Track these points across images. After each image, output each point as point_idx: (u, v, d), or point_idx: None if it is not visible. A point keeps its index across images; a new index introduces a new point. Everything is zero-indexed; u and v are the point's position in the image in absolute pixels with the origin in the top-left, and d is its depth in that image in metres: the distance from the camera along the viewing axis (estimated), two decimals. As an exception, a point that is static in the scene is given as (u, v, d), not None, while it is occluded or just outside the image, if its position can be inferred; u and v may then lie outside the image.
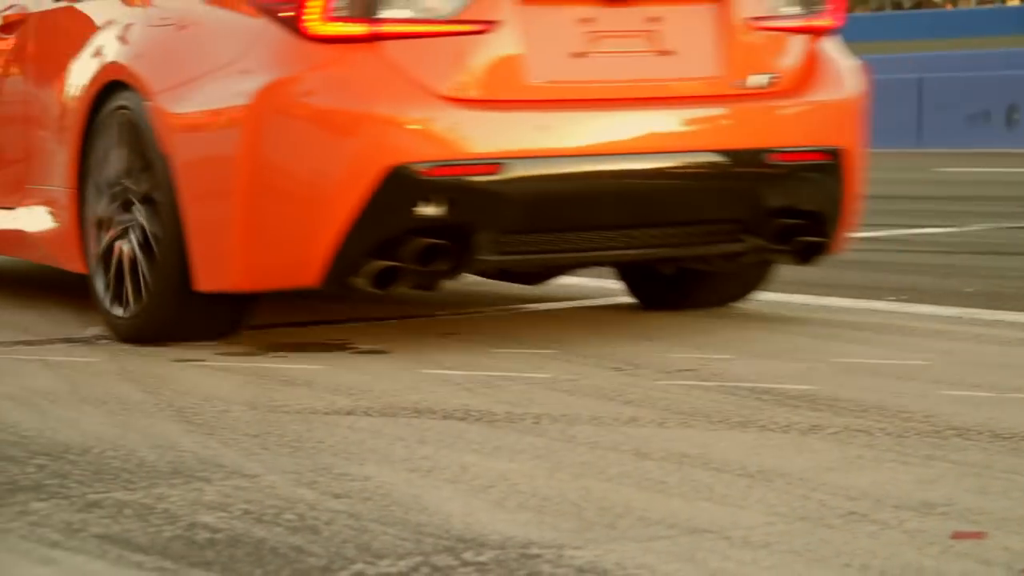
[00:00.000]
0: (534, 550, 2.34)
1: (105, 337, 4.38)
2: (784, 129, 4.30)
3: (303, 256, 3.98)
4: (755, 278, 4.78)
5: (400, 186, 3.91)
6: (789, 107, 4.33)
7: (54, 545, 2.39)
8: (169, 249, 4.11)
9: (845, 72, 4.47)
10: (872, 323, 4.67)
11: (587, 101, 4.14)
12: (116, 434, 3.15)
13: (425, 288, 4.31)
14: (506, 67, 4.04)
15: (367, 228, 3.92)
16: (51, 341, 4.34)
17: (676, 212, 4.24)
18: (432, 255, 3.98)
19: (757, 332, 4.49)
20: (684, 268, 4.66)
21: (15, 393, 3.57)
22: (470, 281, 5.39)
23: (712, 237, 4.29)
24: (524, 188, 4.02)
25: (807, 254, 4.38)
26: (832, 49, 4.50)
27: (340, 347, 4.23)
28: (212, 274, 4.07)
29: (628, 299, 5.14)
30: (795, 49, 4.37)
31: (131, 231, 4.24)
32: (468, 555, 2.31)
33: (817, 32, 4.45)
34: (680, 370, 3.85)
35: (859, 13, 27.67)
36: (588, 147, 4.08)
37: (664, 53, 4.21)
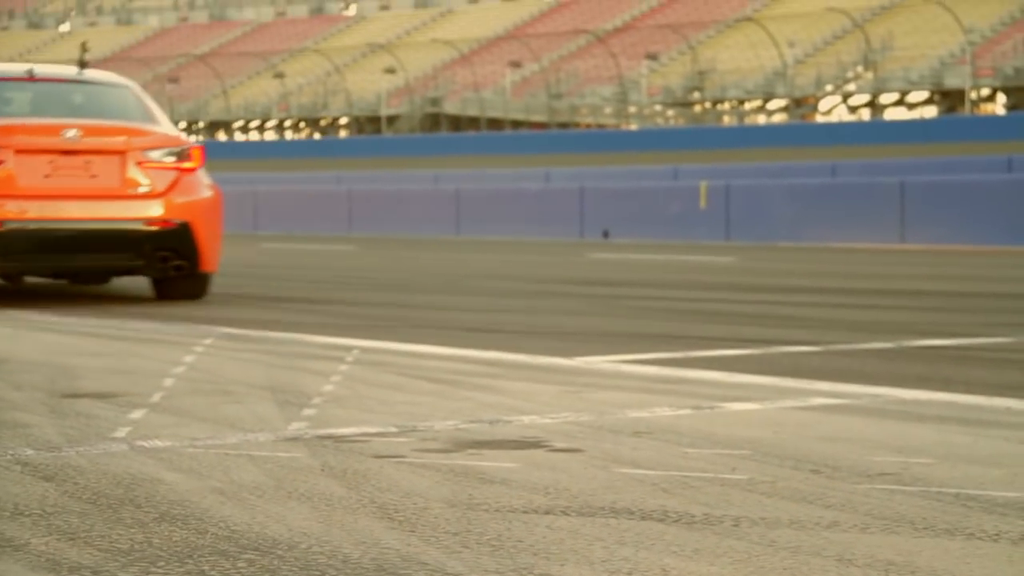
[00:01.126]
0: (741, 657, 2.32)
1: (307, 433, 4.48)
2: (155, 211, 10.21)
3: None
4: (200, 286, 10.60)
5: None
6: (159, 202, 10.23)
7: (267, 640, 2.44)
8: None
9: (197, 187, 10.38)
10: (1078, 427, 4.53)
11: (49, 196, 10.04)
12: (321, 530, 3.22)
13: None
14: (7, 181, 10.00)
15: None
16: (255, 436, 4.45)
17: (99, 248, 10.19)
18: None
19: (958, 436, 4.40)
20: (166, 277, 10.50)
21: (224, 488, 3.67)
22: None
23: (122, 260, 10.27)
24: (13, 235, 9.96)
25: (178, 270, 10.31)
26: (197, 176, 10.42)
27: (534, 444, 4.26)
28: None
29: (825, 400, 5.09)
30: (168, 176, 10.27)
31: None
32: (674, 661, 2.30)
33: (184, 169, 10.33)
34: (880, 474, 3.78)
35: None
36: (43, 217, 10.00)
37: (93, 176, 10.17)
